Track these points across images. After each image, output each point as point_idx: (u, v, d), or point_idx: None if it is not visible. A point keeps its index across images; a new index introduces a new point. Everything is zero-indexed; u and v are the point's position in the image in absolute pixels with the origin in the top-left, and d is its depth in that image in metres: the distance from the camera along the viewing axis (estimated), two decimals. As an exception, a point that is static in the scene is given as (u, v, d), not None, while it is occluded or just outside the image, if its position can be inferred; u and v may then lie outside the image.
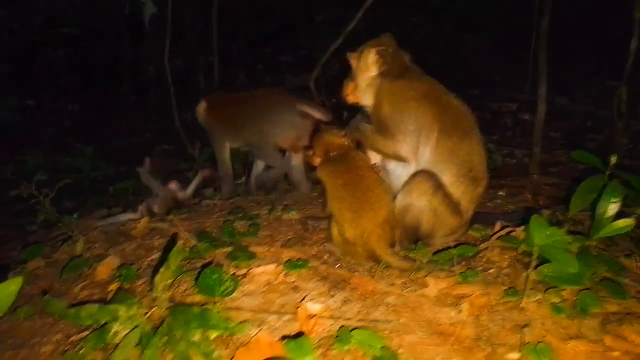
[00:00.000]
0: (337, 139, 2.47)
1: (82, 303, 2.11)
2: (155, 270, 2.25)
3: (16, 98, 4.97)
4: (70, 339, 1.92)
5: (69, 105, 7.30)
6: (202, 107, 3.90)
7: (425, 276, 2.16)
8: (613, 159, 2.36)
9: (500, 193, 4.45)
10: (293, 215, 2.93)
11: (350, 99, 2.66)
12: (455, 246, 2.27)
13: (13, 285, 1.32)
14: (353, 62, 2.61)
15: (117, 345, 1.73)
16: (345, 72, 2.71)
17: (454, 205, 2.46)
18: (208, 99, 3.95)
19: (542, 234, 1.93)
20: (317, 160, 2.46)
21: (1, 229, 3.54)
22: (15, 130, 5.69)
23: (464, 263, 2.30)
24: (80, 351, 1.74)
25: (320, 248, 2.50)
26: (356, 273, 2.25)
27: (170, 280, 1.86)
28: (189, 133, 5.01)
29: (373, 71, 2.53)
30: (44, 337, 2.04)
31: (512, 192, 4.50)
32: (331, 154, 2.44)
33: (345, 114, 4.64)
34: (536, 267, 1.96)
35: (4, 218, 3.78)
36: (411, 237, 2.47)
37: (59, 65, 6.86)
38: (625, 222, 2.13)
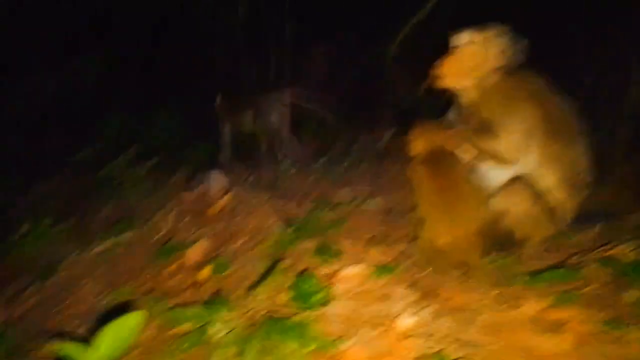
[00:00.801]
0: (439, 137, 2.34)
1: (173, 289, 2.23)
2: (245, 258, 2.33)
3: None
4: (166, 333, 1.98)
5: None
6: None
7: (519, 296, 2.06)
8: None
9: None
10: (377, 204, 2.87)
11: (446, 82, 2.41)
12: (551, 268, 2.16)
13: (135, 319, 1.32)
14: (468, 45, 2.34)
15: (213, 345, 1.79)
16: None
17: (552, 213, 2.32)
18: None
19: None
20: (414, 158, 2.35)
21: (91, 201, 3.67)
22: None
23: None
24: (183, 346, 1.80)
25: (407, 247, 2.44)
26: (446, 282, 2.19)
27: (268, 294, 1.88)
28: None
29: (494, 62, 2.31)
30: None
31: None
32: (429, 153, 2.33)
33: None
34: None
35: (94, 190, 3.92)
36: (501, 244, 2.37)
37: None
38: None
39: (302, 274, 1.98)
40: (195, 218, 2.90)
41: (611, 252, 2.25)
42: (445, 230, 2.21)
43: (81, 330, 2.14)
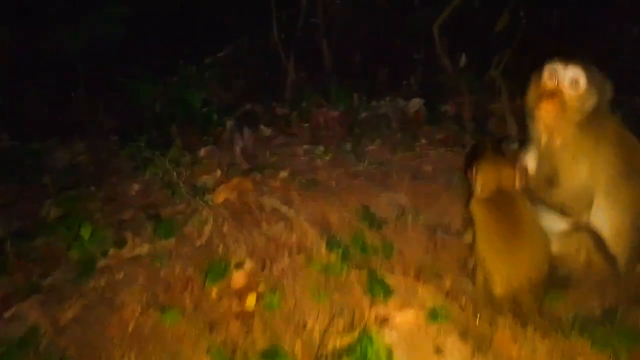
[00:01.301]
0: (507, 172, 2.22)
1: (219, 319, 2.21)
2: (289, 286, 2.29)
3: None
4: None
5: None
6: None
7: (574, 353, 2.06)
8: None
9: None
10: (422, 221, 2.80)
11: (550, 122, 2.23)
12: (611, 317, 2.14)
13: None
14: (573, 88, 2.16)
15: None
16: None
17: (612, 261, 2.27)
18: None
19: None
20: (477, 191, 2.24)
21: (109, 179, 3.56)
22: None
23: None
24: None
25: (458, 282, 2.41)
26: (498, 329, 2.18)
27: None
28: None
29: (587, 105, 2.14)
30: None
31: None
32: (494, 188, 2.22)
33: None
34: None
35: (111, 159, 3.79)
36: (555, 286, 2.34)
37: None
38: None
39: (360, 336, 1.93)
40: (235, 223, 2.83)
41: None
42: (506, 275, 2.15)
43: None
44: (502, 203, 2.20)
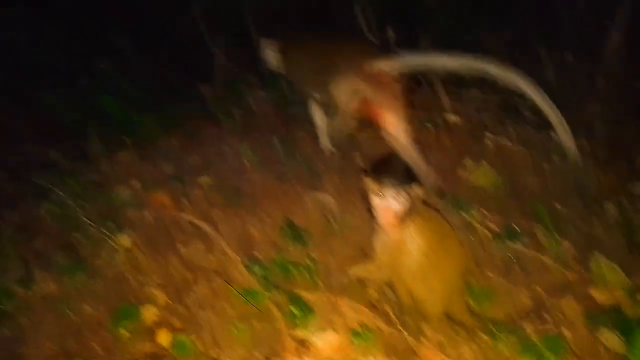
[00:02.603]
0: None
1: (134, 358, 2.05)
2: (205, 314, 2.15)
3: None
4: None
5: None
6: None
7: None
8: None
9: (554, 136, 4.11)
10: (349, 224, 2.67)
11: None
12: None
13: None
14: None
15: None
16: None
17: None
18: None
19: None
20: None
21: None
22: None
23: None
24: None
25: (381, 291, 2.31)
26: (424, 340, 2.10)
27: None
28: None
29: None
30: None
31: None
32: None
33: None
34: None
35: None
36: None
37: None
38: None
39: None
40: (149, 249, 2.65)
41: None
42: (434, 286, 2.07)
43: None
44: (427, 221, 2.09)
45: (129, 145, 3.98)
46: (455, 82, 5.04)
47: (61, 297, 2.47)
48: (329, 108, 3.11)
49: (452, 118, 4.32)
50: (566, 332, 2.13)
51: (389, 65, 2.79)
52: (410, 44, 4.64)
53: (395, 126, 2.89)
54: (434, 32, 4.42)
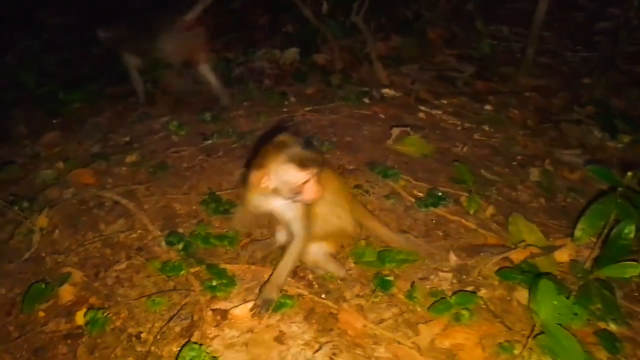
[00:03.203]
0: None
1: (49, 338, 1.99)
2: (125, 292, 2.10)
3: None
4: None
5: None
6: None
7: (418, 324, 2.03)
8: (629, 176, 2.14)
9: (487, 107, 4.23)
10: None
11: None
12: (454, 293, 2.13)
13: None
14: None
15: None
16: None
17: None
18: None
19: (548, 304, 1.80)
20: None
21: None
22: None
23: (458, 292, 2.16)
24: None
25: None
26: (345, 304, 2.12)
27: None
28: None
29: None
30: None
31: (500, 103, 4.28)
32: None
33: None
34: (535, 335, 1.86)
35: None
36: None
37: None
38: (633, 268, 1.99)
39: (184, 347, 1.79)
40: (67, 229, 2.56)
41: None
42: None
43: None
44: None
45: (55, 125, 3.83)
46: (395, 57, 5.11)
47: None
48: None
49: (388, 91, 4.36)
50: (483, 291, 2.18)
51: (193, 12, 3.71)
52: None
53: (204, 60, 3.94)
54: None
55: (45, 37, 4.61)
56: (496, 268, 2.29)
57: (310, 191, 1.97)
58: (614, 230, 2.07)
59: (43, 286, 2.17)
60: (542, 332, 1.85)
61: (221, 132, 3.39)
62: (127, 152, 3.21)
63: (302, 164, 1.91)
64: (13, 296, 2.28)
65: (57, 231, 2.53)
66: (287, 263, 2.09)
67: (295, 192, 1.97)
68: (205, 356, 1.77)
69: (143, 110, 3.97)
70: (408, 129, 3.36)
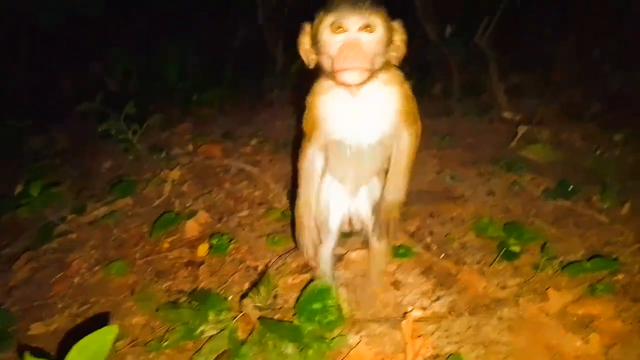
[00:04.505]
0: None
1: (168, 269, 2.07)
2: (246, 236, 2.16)
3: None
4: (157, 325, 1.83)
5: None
6: None
7: (547, 288, 1.86)
8: None
9: (616, 137, 3.94)
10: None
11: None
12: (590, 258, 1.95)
13: (109, 334, 1.15)
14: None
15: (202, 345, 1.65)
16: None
17: None
18: None
19: None
20: None
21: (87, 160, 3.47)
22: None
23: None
24: (166, 342, 1.67)
25: (423, 225, 2.24)
26: (465, 266, 2.01)
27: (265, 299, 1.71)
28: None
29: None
30: (133, 309, 1.99)
31: (633, 133, 3.98)
32: None
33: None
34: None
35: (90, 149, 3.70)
36: None
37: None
38: None
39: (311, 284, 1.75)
40: (196, 184, 2.71)
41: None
42: None
43: (71, 311, 2.00)
44: None
45: (187, 119, 4.14)
46: (515, 92, 5.00)
47: (108, 218, 2.54)
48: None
49: (509, 114, 4.25)
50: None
51: None
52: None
53: None
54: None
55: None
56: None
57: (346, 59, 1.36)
58: None
59: (173, 216, 2.29)
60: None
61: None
62: (252, 137, 3.38)
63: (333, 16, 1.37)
64: (141, 230, 2.42)
65: (186, 184, 2.68)
66: (405, 168, 1.59)
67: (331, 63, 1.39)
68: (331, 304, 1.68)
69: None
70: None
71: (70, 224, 2.60)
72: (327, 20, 1.37)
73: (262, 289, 1.71)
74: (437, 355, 1.61)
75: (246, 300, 1.70)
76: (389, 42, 1.43)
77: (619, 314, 1.77)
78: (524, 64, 5.56)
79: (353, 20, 1.35)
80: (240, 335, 1.62)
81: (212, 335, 1.63)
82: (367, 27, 1.36)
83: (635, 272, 2.00)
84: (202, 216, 2.35)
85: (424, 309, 1.79)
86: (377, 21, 1.37)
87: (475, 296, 1.87)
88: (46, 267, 2.34)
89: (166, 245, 2.27)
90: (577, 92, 5.16)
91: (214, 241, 2.11)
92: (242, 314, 1.67)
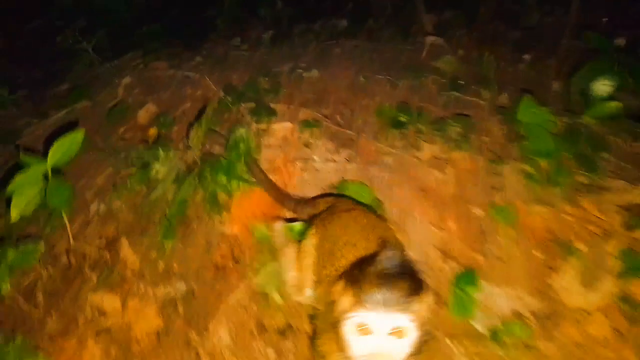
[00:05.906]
0: None
1: (128, 143, 2.54)
2: (188, 119, 2.63)
3: None
4: (120, 174, 2.32)
5: None
6: None
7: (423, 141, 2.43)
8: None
9: (525, 56, 4.51)
10: (314, 74, 3.13)
11: None
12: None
13: (78, 135, 1.66)
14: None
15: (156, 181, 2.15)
16: None
17: None
18: None
19: (528, 112, 2.16)
20: None
21: (45, 71, 3.82)
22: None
23: (461, 131, 2.54)
24: (129, 184, 2.16)
25: (335, 109, 2.76)
26: (363, 134, 2.54)
27: (202, 136, 2.20)
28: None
29: None
30: (98, 170, 2.47)
31: (538, 56, 4.55)
32: None
33: None
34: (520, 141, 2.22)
35: (47, 60, 4.04)
36: None
37: None
38: (614, 104, 2.31)
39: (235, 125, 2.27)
40: (146, 88, 3.14)
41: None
42: None
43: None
44: None
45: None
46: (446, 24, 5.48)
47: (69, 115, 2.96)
48: None
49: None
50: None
51: None
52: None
53: None
54: None
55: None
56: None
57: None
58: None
59: (126, 106, 2.75)
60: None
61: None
62: (196, 56, 3.79)
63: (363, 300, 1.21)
64: (100, 122, 2.85)
65: (137, 89, 3.12)
66: None
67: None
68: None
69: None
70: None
71: (33, 128, 3.01)
72: (355, 320, 1.21)
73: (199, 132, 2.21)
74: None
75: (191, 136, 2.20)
76: None
77: (473, 158, 2.34)
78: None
79: (382, 324, 1.20)
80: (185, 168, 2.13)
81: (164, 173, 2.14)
82: (398, 332, 1.21)
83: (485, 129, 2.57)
84: (151, 107, 2.80)
85: (327, 160, 2.32)
86: (410, 324, 1.21)
87: (369, 152, 2.41)
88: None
89: (122, 130, 2.72)
90: (501, 24, 5.72)
91: (161, 120, 2.58)
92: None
